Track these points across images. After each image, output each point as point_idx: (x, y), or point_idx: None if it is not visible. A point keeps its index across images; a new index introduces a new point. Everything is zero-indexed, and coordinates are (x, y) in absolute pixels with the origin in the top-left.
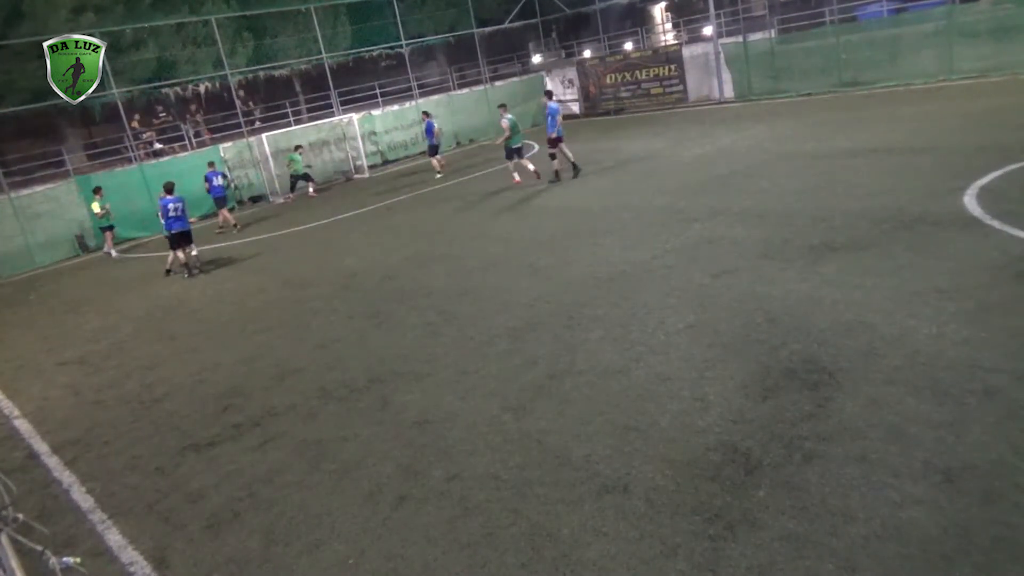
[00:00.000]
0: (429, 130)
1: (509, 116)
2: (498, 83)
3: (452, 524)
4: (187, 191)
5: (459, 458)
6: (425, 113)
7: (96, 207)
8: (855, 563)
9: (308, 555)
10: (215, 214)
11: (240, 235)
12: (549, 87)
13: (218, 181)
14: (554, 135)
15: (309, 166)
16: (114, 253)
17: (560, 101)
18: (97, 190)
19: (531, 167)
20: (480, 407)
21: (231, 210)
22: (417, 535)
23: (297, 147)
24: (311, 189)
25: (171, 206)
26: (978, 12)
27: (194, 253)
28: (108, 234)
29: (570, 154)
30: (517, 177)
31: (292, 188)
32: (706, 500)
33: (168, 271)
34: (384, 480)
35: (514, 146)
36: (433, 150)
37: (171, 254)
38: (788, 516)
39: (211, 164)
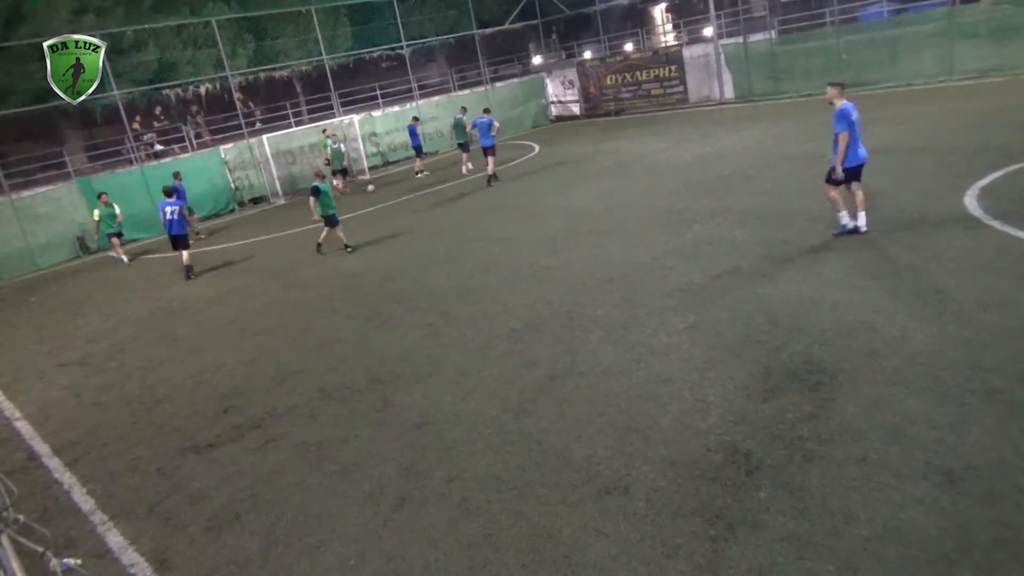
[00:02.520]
0: (412, 132)
1: (458, 116)
2: (498, 84)
3: (453, 525)
4: (188, 192)
5: (460, 459)
6: (414, 118)
7: (96, 214)
8: (856, 564)
9: (309, 556)
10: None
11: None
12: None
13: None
14: (487, 145)
15: (328, 161)
16: (125, 259)
17: (561, 102)
18: (100, 195)
19: (467, 167)
20: (481, 408)
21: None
22: (418, 536)
23: (323, 129)
24: (339, 183)
25: (168, 209)
26: (978, 13)
27: (185, 260)
28: (115, 240)
29: (489, 169)
30: (464, 170)
31: (345, 175)
32: (707, 501)
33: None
34: (385, 481)
35: (459, 142)
36: (416, 151)
37: (183, 254)
38: (789, 517)
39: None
